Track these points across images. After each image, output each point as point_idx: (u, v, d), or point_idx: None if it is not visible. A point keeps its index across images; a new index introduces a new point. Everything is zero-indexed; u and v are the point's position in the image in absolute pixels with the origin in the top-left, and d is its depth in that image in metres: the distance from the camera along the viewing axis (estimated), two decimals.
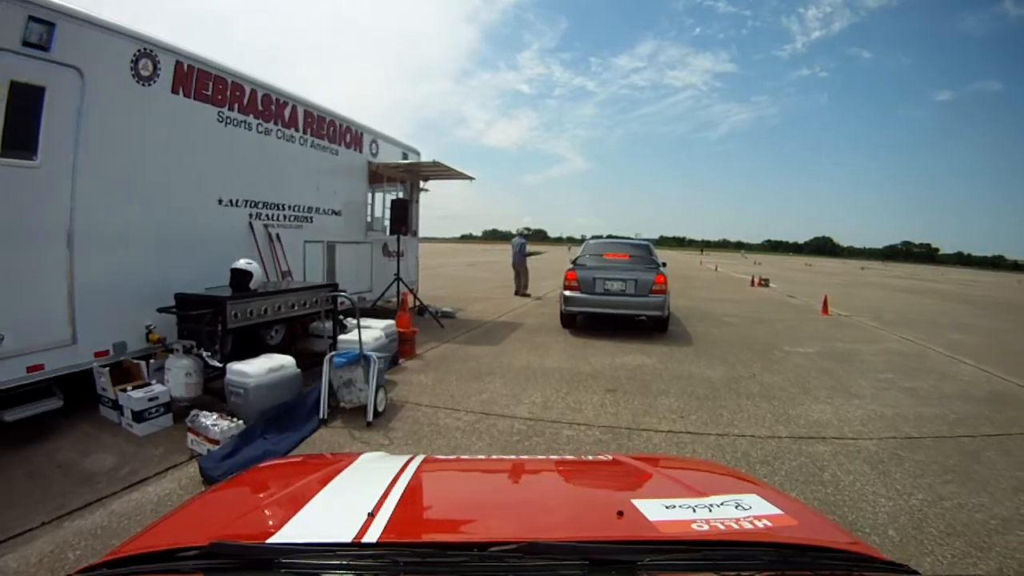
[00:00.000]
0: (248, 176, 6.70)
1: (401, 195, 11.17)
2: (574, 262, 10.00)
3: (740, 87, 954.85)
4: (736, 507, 1.23)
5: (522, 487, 1.65)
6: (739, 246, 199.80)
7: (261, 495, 1.46)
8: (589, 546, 0.99)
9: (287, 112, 7.39)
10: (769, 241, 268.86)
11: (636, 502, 1.25)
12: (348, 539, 1.07)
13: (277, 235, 7.23)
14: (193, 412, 4.32)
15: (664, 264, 10.03)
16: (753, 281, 23.79)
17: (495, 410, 5.26)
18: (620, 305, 9.22)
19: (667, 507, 1.22)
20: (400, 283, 9.53)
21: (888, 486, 3.73)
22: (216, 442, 4.08)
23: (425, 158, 11.07)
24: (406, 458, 1.62)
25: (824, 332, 10.68)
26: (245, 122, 6.56)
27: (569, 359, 7.51)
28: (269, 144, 7.03)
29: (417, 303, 10.38)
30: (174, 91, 5.52)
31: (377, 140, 9.91)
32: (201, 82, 5.85)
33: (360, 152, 9.41)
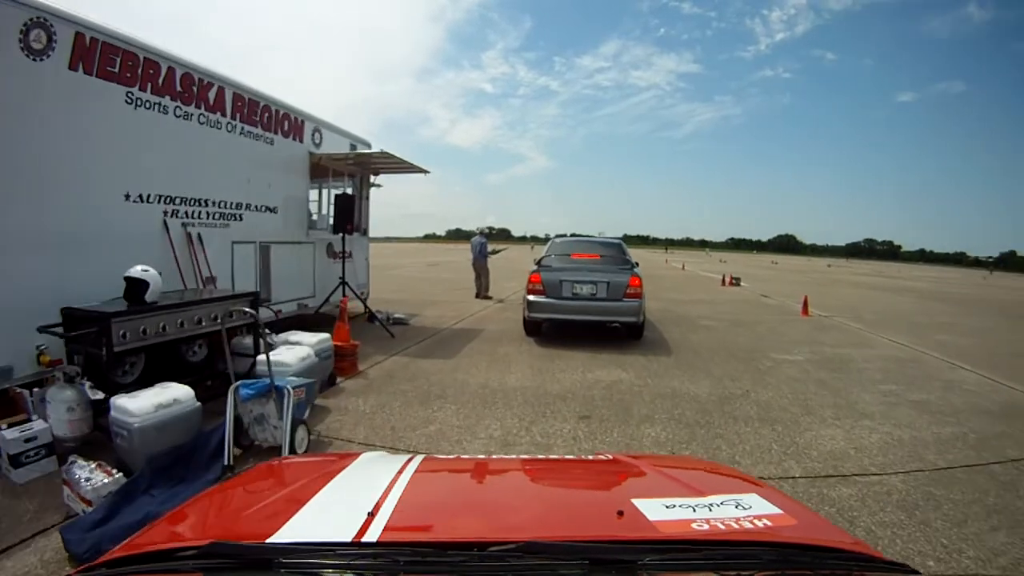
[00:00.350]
0: (163, 167, 5.84)
1: (349, 191, 10.11)
2: (538, 263, 9.04)
3: (704, 87, 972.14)
4: (736, 507, 1.22)
5: (522, 487, 1.64)
6: (703, 244, 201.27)
7: (261, 495, 1.42)
8: (589, 546, 0.99)
9: (212, 94, 6.51)
10: (732, 239, 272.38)
11: (636, 502, 1.23)
12: (348, 539, 1.05)
13: (198, 235, 6.34)
14: (71, 459, 3.48)
15: (637, 264, 9.18)
16: (724, 280, 23.32)
17: (444, 448, 4.43)
18: (591, 311, 8.37)
19: (667, 507, 1.21)
20: (346, 287, 8.52)
21: (932, 541, 3.17)
22: (89, 502, 3.22)
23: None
24: (406, 458, 1.62)
25: (809, 336, 10.15)
26: (160, 105, 5.71)
27: (534, 375, 6.68)
28: (190, 130, 6.16)
29: (366, 310, 9.36)
30: (72, 67, 4.73)
31: (320, 129, 8.91)
32: (107, 57, 5.03)
33: (300, 142, 8.44)
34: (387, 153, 9.10)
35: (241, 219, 7.07)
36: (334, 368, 6.06)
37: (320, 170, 9.11)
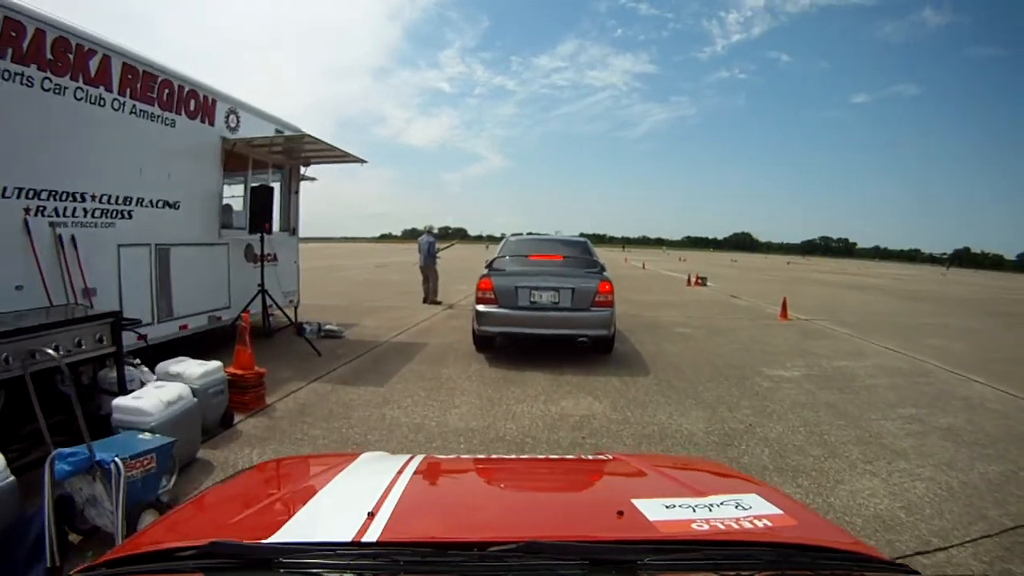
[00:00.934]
0: (25, 153, 4.69)
1: (277, 184, 8.77)
2: (489, 266, 7.62)
3: (660, 87, 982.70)
4: (736, 507, 1.20)
5: (522, 487, 1.63)
6: (660, 242, 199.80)
7: (261, 495, 1.39)
8: (589, 546, 0.98)
9: (94, 64, 5.26)
10: (689, 237, 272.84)
11: (636, 502, 1.22)
12: (348, 539, 1.04)
13: (71, 237, 5.09)
14: None
15: (605, 267, 7.82)
16: (689, 280, 22.31)
17: None
18: (552, 323, 7.07)
19: (667, 507, 1.19)
20: (265, 296, 7.20)
21: None
22: None
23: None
24: (406, 457, 1.58)
25: (797, 344, 9.25)
26: (23, 76, 4.55)
27: (484, 408, 5.45)
28: (62, 108, 4.98)
29: (293, 322, 8.02)
30: None
31: (238, 111, 7.54)
32: None
33: (211, 124, 7.08)
34: (312, 137, 7.84)
35: (130, 216, 5.78)
36: (230, 404, 4.83)
37: (238, 159, 7.83)
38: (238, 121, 7.53)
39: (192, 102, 6.66)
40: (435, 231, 14.14)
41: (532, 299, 7.02)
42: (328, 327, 8.69)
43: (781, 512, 1.19)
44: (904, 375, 7.20)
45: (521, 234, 10.13)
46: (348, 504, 1.24)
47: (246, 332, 5.28)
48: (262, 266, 7.40)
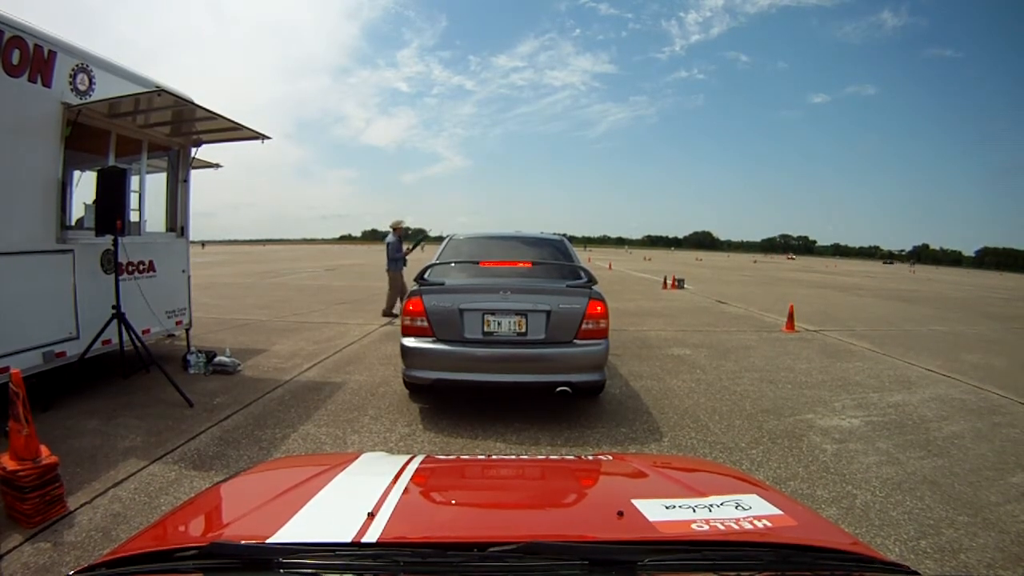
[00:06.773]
0: None
1: (168, 170, 6.81)
2: (421, 277, 5.26)
3: (619, 87, 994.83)
4: (736, 507, 1.18)
5: (522, 487, 1.61)
6: (620, 242, 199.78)
7: (261, 495, 1.34)
8: (589, 546, 0.97)
9: None
10: (649, 236, 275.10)
11: (636, 502, 1.20)
12: (348, 539, 1.02)
13: None
14: None
15: (593, 279, 5.35)
16: (665, 282, 20.90)
17: None
18: (517, 365, 4.90)
19: (667, 507, 1.17)
20: (122, 323, 5.21)
21: None
22: None
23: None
24: (406, 458, 1.55)
25: (827, 370, 7.48)
26: None
27: None
28: None
29: (145, 357, 5.54)
30: None
31: (90, 68, 5.57)
32: None
33: (46, 86, 5.11)
34: (165, 90, 5.47)
35: None
36: (10, 514, 3.09)
37: (94, 136, 5.85)
38: (90, 83, 5.49)
39: (15, 53, 4.68)
40: (404, 229, 11.59)
41: (486, 328, 4.90)
42: (220, 359, 6.59)
43: (781, 512, 1.18)
44: (976, 414, 5.62)
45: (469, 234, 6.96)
46: (348, 504, 1.21)
47: (19, 400, 3.17)
48: (116, 281, 5.29)
